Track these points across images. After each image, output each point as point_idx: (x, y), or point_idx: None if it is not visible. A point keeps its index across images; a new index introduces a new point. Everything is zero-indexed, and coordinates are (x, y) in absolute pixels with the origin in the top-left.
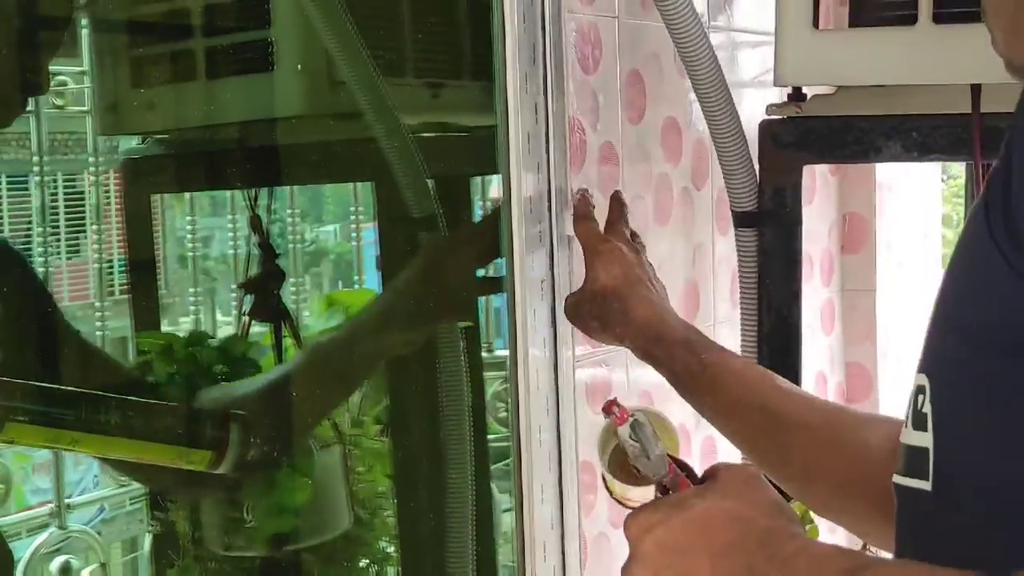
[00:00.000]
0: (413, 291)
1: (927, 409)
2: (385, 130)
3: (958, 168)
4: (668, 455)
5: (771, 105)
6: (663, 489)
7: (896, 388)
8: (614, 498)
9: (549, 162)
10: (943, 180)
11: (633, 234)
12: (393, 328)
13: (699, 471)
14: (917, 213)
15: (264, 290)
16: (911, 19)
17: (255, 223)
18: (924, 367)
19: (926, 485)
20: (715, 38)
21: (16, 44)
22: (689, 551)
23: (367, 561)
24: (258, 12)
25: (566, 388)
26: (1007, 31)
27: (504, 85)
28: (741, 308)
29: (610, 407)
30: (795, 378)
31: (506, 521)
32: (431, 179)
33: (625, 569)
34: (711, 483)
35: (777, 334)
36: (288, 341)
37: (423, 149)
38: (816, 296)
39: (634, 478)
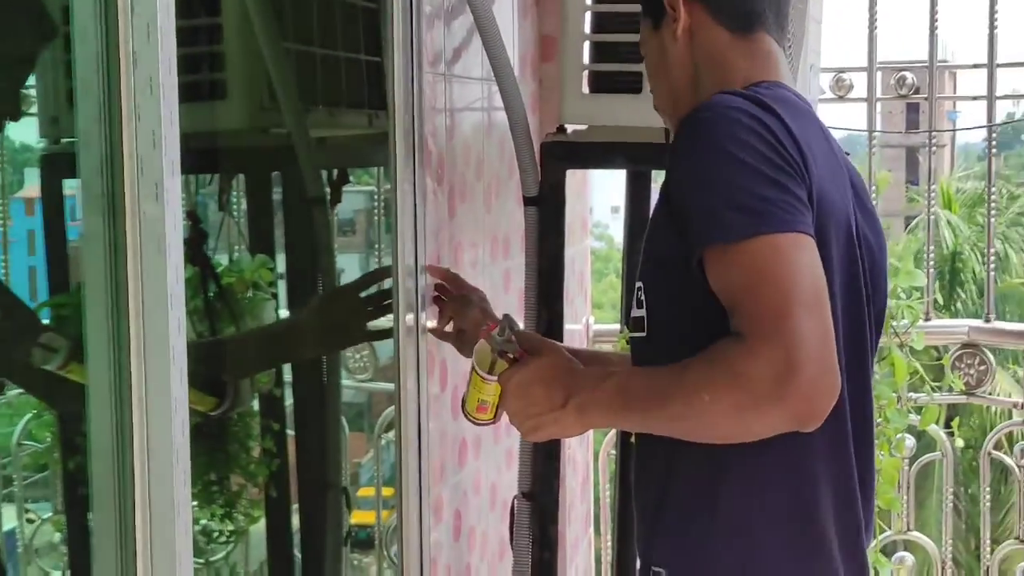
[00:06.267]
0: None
1: (643, 297)
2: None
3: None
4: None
5: (548, 133)
6: (513, 361)
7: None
8: (466, 413)
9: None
10: None
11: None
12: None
13: None
14: None
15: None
16: (637, 88)
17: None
18: (639, 275)
19: (643, 335)
20: None
21: None
22: (532, 383)
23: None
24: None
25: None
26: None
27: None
28: (525, 258)
29: (488, 328)
30: (559, 298)
31: None
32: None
33: (501, 401)
34: (538, 354)
35: (547, 275)
36: None
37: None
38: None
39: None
